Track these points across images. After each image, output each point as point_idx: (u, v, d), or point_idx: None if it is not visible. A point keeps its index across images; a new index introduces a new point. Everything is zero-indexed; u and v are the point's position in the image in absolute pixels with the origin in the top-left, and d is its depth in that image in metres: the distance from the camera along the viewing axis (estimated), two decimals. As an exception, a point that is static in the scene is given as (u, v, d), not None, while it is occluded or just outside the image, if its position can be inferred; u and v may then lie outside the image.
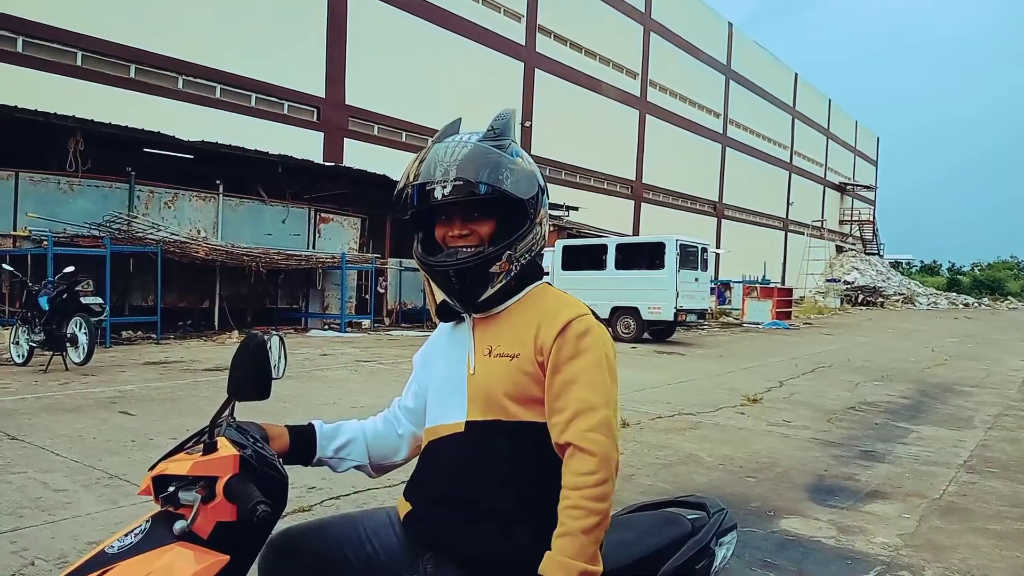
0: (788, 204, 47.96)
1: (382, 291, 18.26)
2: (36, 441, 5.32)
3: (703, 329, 20.41)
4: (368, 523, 1.61)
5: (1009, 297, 64.91)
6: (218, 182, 15.03)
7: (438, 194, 1.43)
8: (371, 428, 1.73)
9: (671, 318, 15.85)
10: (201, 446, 1.31)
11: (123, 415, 6.40)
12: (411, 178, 1.47)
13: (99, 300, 9.64)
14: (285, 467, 1.46)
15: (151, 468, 1.34)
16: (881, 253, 59.94)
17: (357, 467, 1.70)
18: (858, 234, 58.23)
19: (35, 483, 4.33)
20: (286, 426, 1.61)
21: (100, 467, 4.61)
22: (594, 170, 30.89)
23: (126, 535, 1.31)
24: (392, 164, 18.62)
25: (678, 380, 10.09)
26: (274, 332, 1.63)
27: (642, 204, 34.44)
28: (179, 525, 1.23)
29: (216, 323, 14.86)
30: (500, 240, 1.47)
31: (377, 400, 7.25)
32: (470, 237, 1.48)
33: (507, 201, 1.46)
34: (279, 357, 1.56)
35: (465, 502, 1.46)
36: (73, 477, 4.44)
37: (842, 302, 38.52)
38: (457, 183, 1.42)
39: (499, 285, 1.49)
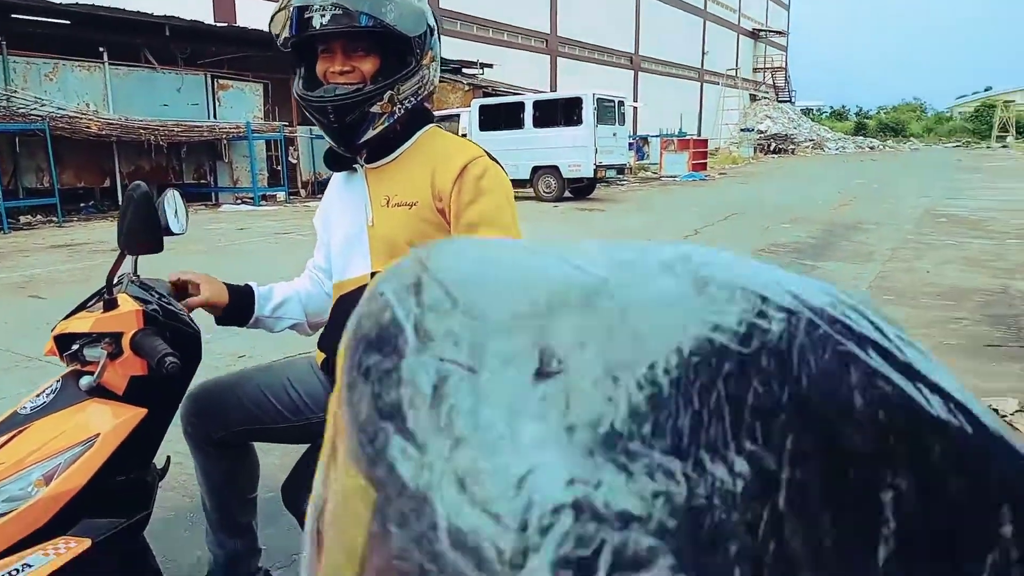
0: (703, 54, 47.66)
1: (294, 161, 17.62)
2: (-62, 332, 5.11)
3: (622, 185, 20.65)
4: (290, 371, 1.64)
5: (912, 138, 67.61)
6: (101, 49, 13.85)
7: (316, 22, 1.35)
8: (302, 287, 1.73)
9: (591, 174, 15.92)
10: (102, 304, 1.28)
11: (34, 299, 6.18)
12: (289, 1, 1.39)
13: (-14, 183, 9.01)
14: (223, 326, 1.49)
15: (53, 328, 1.32)
16: (793, 100, 60.86)
17: (293, 326, 1.71)
18: (771, 82, 58.74)
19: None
20: (224, 283, 1.59)
21: (15, 350, 4.49)
22: (508, 24, 29.76)
23: (38, 396, 1.30)
24: (293, 23, 17.46)
25: (594, 235, 10.30)
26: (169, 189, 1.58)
27: (558, 59, 33.64)
28: (85, 381, 1.23)
29: (120, 202, 14.15)
30: (382, 79, 1.41)
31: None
32: (352, 74, 1.41)
33: (391, 38, 1.39)
34: (176, 211, 1.51)
35: None
36: (-12, 361, 4.32)
37: (755, 151, 39.36)
38: (336, 12, 1.33)
39: (380, 127, 1.44)
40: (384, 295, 0.51)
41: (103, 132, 13.03)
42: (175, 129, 14.14)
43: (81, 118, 12.82)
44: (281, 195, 16.63)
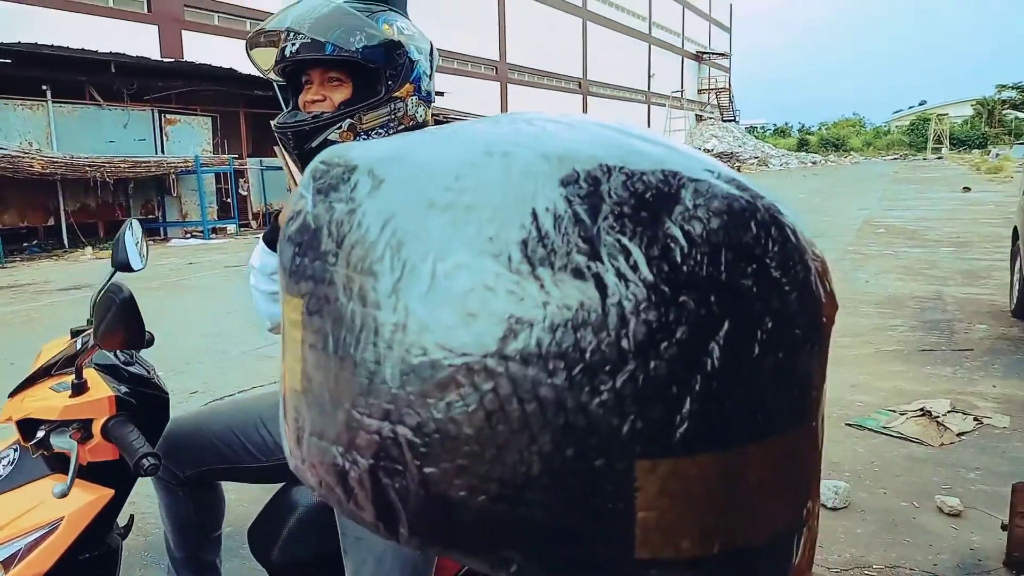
0: (649, 77, 48.69)
1: (244, 193, 17.47)
2: None
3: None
4: (262, 409, 1.60)
5: (852, 152, 69.71)
6: (44, 87, 13.64)
7: (287, 51, 1.34)
8: None
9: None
10: (68, 382, 1.22)
11: (-25, 344, 6.03)
12: (262, 30, 1.41)
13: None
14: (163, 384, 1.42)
15: (11, 394, 1.27)
16: (737, 119, 62.39)
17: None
18: (715, 102, 60.17)
19: None
20: None
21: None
22: (457, 52, 30.07)
23: None
24: (238, 57, 17.38)
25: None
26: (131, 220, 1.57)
27: (508, 85, 34.05)
28: (58, 489, 1.12)
29: (65, 240, 13.88)
30: (345, 108, 1.38)
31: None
32: (322, 103, 1.38)
33: (360, 68, 1.37)
34: (137, 243, 1.48)
35: None
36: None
37: (703, 169, 40.11)
38: (305, 41, 1.32)
39: None
40: (302, 196, 0.76)
41: (47, 171, 12.78)
42: (121, 165, 13.94)
43: (24, 157, 12.57)
44: (232, 227, 16.46)
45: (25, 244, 13.63)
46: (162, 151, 15.66)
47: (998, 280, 6.93)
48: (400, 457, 0.61)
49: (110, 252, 1.48)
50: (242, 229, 16.72)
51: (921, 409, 3.66)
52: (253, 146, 18.47)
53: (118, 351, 1.36)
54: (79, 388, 1.21)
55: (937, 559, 2.39)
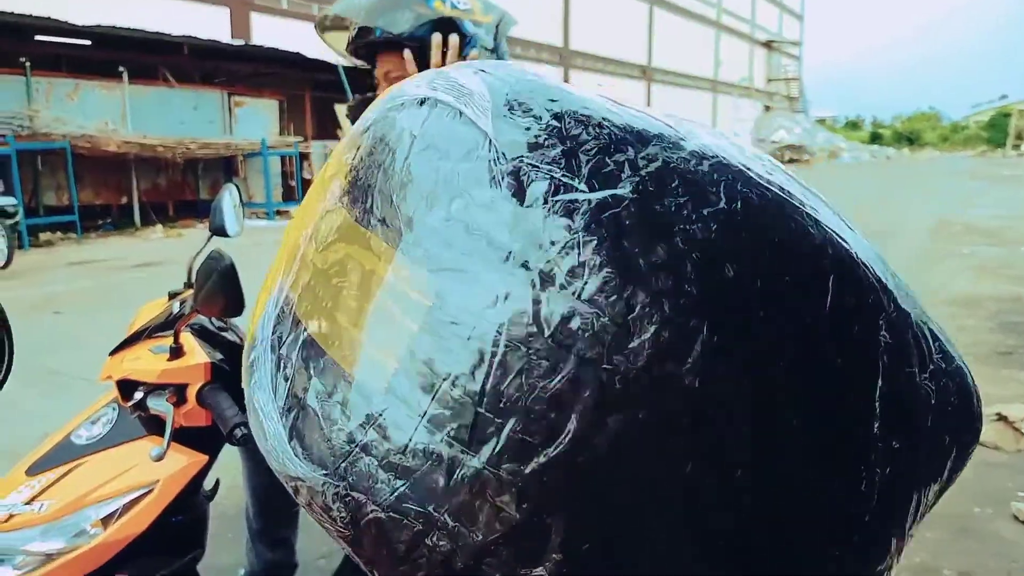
0: (716, 64, 47.68)
1: (308, 176, 17.79)
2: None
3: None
4: None
5: (927, 147, 67.16)
6: (121, 69, 14.10)
7: (349, 38, 1.43)
8: None
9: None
10: (167, 345, 1.25)
11: (55, 315, 6.30)
12: (326, 16, 1.49)
13: (12, 201, 9.23)
14: None
15: (111, 353, 1.31)
16: (807, 111, 60.70)
17: None
18: (785, 92, 58.63)
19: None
20: None
21: (38, 364, 4.60)
22: (520, 38, 29.97)
23: (92, 423, 1.28)
24: (305, 40, 17.69)
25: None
26: (230, 183, 1.59)
27: (571, 72, 33.79)
28: (155, 452, 1.15)
29: (137, 218, 14.37)
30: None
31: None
32: (397, 77, 1.41)
33: (419, 45, 1.42)
34: (234, 208, 1.52)
35: None
36: (13, 376, 4.42)
37: (769, 161, 39.24)
38: (361, 27, 1.42)
39: None
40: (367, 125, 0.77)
41: (121, 150, 13.24)
42: (192, 146, 14.34)
43: (100, 136, 13.04)
44: (295, 209, 16.74)
45: (100, 221, 14.16)
46: (230, 133, 16.04)
47: (1083, 284, 6.58)
48: None
49: (178, 231, 1.51)
50: (305, 211, 16.96)
51: (998, 414, 3.50)
52: (317, 130, 18.78)
53: (214, 318, 1.39)
54: (176, 352, 1.24)
55: (1011, 567, 2.29)
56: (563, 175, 0.53)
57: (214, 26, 17.98)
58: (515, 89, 0.63)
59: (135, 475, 1.20)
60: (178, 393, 1.21)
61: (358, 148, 0.76)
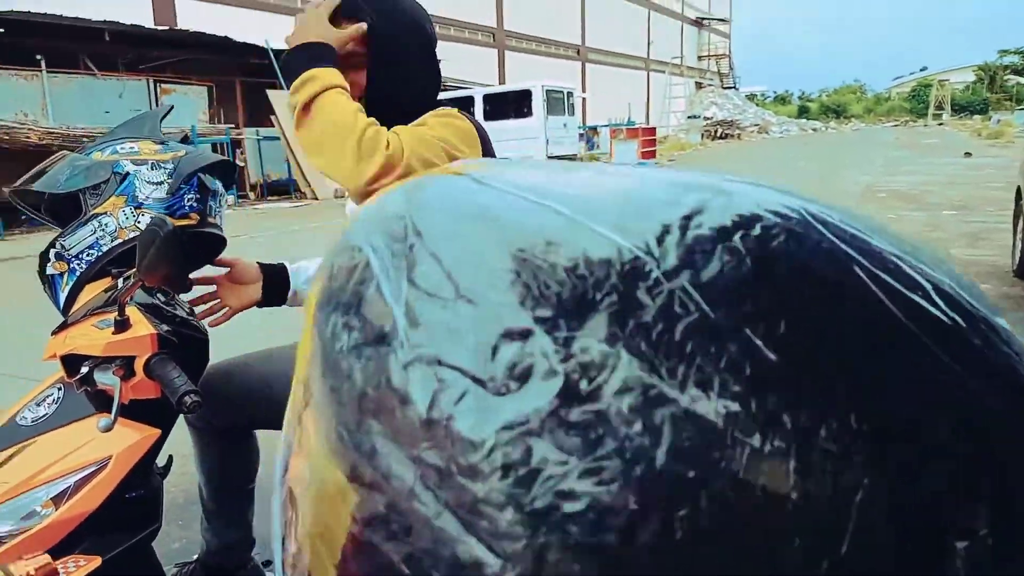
0: (648, 43, 48.16)
1: (241, 164, 17.38)
2: None
3: (574, 174, 20.77)
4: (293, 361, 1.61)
5: (852, 119, 69.33)
6: (39, 57, 13.51)
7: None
8: None
9: (542, 165, 16.08)
10: (111, 319, 1.22)
11: (-20, 314, 6.05)
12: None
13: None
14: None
15: (53, 332, 1.29)
16: (737, 86, 61.86)
17: None
18: (715, 69, 59.61)
19: None
20: (258, 263, 1.58)
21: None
22: (454, 19, 29.72)
23: (37, 405, 1.26)
24: (233, 24, 17.23)
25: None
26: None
27: (506, 52, 33.70)
28: (103, 423, 1.13)
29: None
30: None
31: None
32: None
33: (71, 198, 1.49)
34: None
35: None
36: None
37: (703, 137, 39.95)
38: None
39: None
40: (363, 251, 0.43)
41: (43, 142, 12.69)
42: (119, 136, 13.86)
43: (20, 128, 12.50)
44: (230, 199, 16.41)
45: (24, 216, 13.56)
46: (159, 121, 15.53)
47: (999, 242, 6.95)
48: None
49: None
50: (240, 200, 16.65)
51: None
52: (249, 116, 18.34)
53: (159, 294, 1.38)
54: (121, 325, 1.21)
55: None
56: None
57: (136, 11, 17.34)
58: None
59: (85, 452, 1.17)
60: (126, 366, 1.19)
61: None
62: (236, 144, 17.02)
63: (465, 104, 17.30)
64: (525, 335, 0.37)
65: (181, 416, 1.49)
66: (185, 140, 1.78)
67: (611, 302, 0.38)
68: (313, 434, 0.46)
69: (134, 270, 1.23)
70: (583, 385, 0.36)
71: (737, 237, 0.41)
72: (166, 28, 16.90)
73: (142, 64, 16.24)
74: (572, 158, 17.92)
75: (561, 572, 0.35)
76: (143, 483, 1.26)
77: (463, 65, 27.25)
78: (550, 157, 16.12)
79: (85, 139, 13.11)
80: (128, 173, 1.46)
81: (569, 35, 39.26)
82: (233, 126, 17.14)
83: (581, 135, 22.88)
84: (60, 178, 1.44)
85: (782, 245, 0.41)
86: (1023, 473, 0.42)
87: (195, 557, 1.86)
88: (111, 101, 14.75)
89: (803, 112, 74.85)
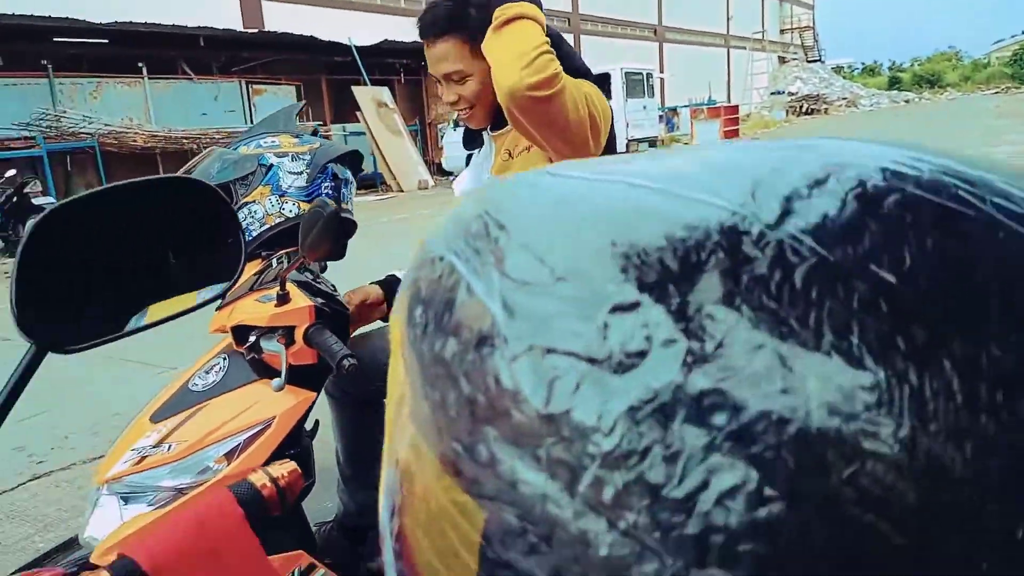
0: (728, 19, 46.95)
1: (314, 126, 17.92)
2: (30, 340, 5.48)
3: (654, 157, 20.54)
4: None
5: (948, 88, 65.75)
6: (140, 64, 14.32)
7: None
8: None
9: (623, 149, 15.98)
10: (272, 295, 1.38)
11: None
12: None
13: (51, 200, 9.49)
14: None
15: (217, 308, 1.45)
16: (823, 59, 59.61)
17: None
18: (799, 42, 57.59)
19: (47, 369, 4.54)
20: (375, 283, 1.73)
21: (106, 352, 4.83)
22: (528, 6, 29.71)
23: (206, 373, 1.41)
24: (317, 24, 17.76)
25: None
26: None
27: (582, 36, 33.50)
28: (276, 383, 1.31)
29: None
30: None
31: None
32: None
33: (225, 190, 1.64)
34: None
35: None
36: (84, 361, 4.66)
37: (787, 113, 38.77)
38: None
39: None
40: (445, 259, 0.41)
41: (148, 144, 13.49)
42: (216, 136, 14.55)
43: (127, 132, 13.29)
44: (320, 193, 16.95)
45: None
46: (251, 121, 16.20)
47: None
48: None
49: None
50: (329, 194, 17.16)
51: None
52: (335, 113, 18.90)
53: (307, 271, 1.53)
54: (283, 299, 1.36)
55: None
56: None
57: (226, 16, 18.11)
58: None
59: (252, 414, 1.31)
60: (287, 335, 1.34)
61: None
62: (304, 105, 17.60)
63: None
64: (634, 306, 0.34)
65: (324, 390, 1.65)
66: (315, 132, 1.94)
67: (718, 261, 0.35)
68: (422, 461, 0.40)
69: (294, 249, 1.40)
70: (708, 348, 0.33)
71: (833, 180, 0.38)
72: (255, 31, 17.60)
73: (234, 67, 16.97)
74: (652, 141, 17.74)
75: (727, 555, 0.31)
76: (298, 443, 1.39)
77: (539, 52, 27.20)
78: (630, 140, 16.02)
79: (185, 140, 13.85)
80: (272, 165, 1.64)
81: (646, 15, 38.67)
82: (320, 123, 17.72)
83: (661, 117, 22.60)
84: (212, 171, 1.62)
85: (884, 181, 0.38)
86: None
87: (333, 517, 2.02)
88: (207, 103, 15.49)
89: (894, 83, 71.41)
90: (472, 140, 1.75)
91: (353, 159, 1.78)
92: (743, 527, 0.31)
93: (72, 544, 1.29)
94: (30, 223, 0.93)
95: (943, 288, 0.34)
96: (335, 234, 1.27)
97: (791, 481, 0.31)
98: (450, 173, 15.84)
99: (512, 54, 1.34)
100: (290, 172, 1.64)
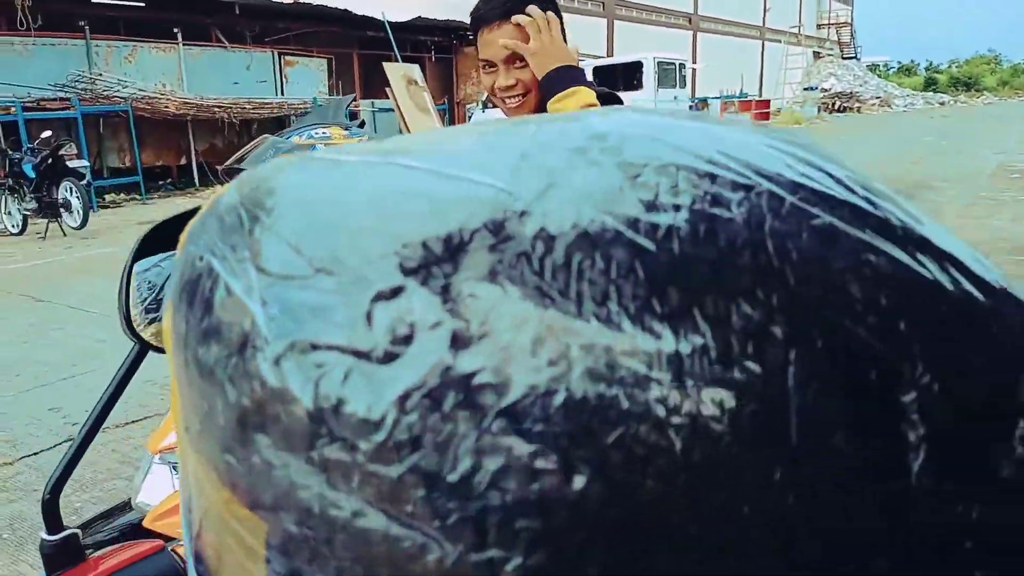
0: (764, 11, 46.32)
1: (360, 118, 17.99)
2: (62, 302, 5.60)
3: (682, 148, 20.42)
4: None
5: (985, 92, 64.59)
6: (175, 30, 14.40)
7: None
8: None
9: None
10: None
11: (136, 272, 6.65)
12: None
13: (85, 163, 9.65)
14: None
15: None
16: (858, 57, 58.73)
17: None
18: (835, 38, 56.75)
19: (76, 337, 4.65)
20: None
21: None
22: (563, -11, 29.50)
23: None
24: (354, -2, 17.75)
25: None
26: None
27: (615, 22, 33.21)
28: None
29: (196, 179, 14.78)
30: None
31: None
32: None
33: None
34: None
35: None
36: (108, 329, 4.75)
37: (819, 110, 38.30)
38: None
39: None
40: (203, 258, 0.38)
41: (180, 111, 13.59)
42: (247, 106, 14.65)
43: (160, 98, 13.40)
44: (347, 168, 17.01)
45: (160, 182, 14.61)
46: (282, 93, 16.29)
47: None
48: None
49: None
50: (356, 169, 17.23)
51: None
52: (365, 88, 18.93)
53: None
54: None
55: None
56: None
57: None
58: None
59: None
60: None
61: None
62: (353, 116, 17.62)
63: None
64: (398, 292, 0.33)
65: None
66: (362, 125, 1.99)
67: (481, 239, 0.34)
68: (202, 476, 0.38)
69: None
70: (474, 328, 0.32)
71: (596, 151, 0.37)
72: (290, 1, 17.62)
73: (267, 36, 17.02)
74: (682, 132, 17.58)
75: (504, 536, 0.31)
76: None
77: (572, 36, 27.03)
78: (659, 130, 15.89)
79: (217, 108, 13.94)
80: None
81: (681, 3, 38.24)
82: (352, 97, 17.76)
83: (691, 108, 22.42)
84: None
85: (644, 151, 0.37)
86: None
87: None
88: (239, 72, 15.58)
89: (930, 84, 70.21)
90: None
91: None
92: (518, 505, 0.31)
93: (126, 507, 1.36)
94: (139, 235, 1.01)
95: (696, 251, 0.34)
96: None
97: (561, 452, 0.31)
98: (477, 154, 15.80)
99: None
100: None
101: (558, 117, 0.45)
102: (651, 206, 0.35)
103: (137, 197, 13.10)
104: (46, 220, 9.05)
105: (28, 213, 9.15)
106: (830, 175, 0.39)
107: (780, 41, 46.24)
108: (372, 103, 17.99)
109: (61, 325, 4.96)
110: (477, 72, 1.73)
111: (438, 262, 0.34)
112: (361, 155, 0.41)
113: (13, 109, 11.35)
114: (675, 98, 16.82)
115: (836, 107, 41.54)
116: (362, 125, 2.39)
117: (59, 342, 4.57)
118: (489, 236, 0.34)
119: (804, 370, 0.32)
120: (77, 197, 8.85)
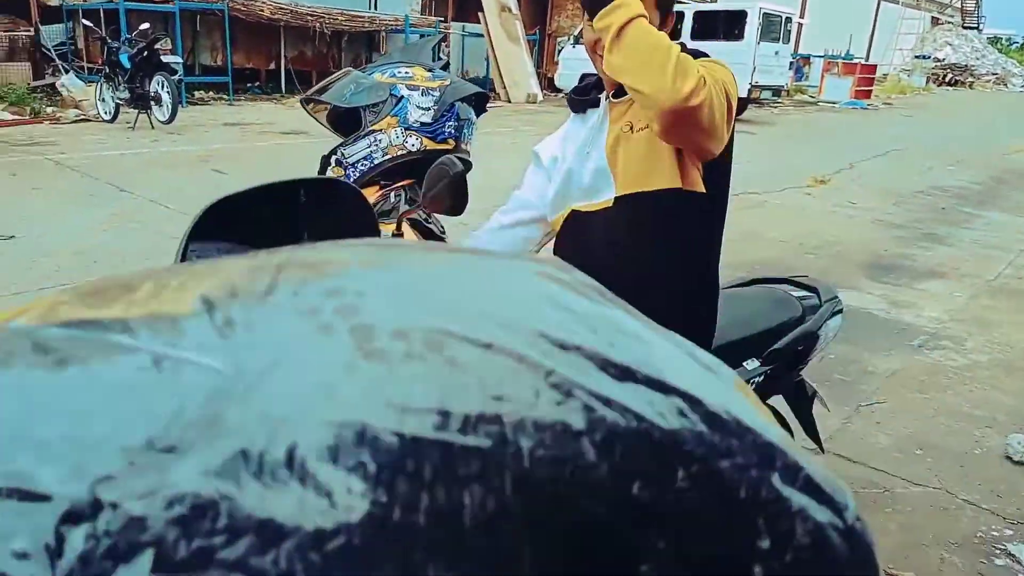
0: (885, -32, 43.47)
1: (444, 58, 17.75)
2: (144, 194, 5.80)
3: (775, 107, 19.68)
4: None
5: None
6: (276, -66, 14.35)
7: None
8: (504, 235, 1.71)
9: (744, 94, 15.27)
10: (387, 231, 1.44)
11: (216, 173, 6.82)
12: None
13: (178, 59, 9.82)
14: None
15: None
16: (980, 27, 54.84)
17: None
18: (958, 4, 53.02)
19: (151, 232, 4.83)
20: None
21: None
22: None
23: None
24: (457, -85, 17.32)
25: (746, 159, 10.04)
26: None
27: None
28: None
29: (283, 85, 14.95)
30: None
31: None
32: None
33: (355, 112, 1.75)
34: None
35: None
36: (181, 226, 4.91)
37: (928, 81, 36.16)
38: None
39: None
40: None
41: (274, 15, 13.66)
42: (340, 17, 14.61)
43: (255, 2, 13.47)
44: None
45: (248, 85, 14.83)
46: (374, 8, 16.18)
47: None
48: None
49: None
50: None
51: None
52: (457, 10, 18.63)
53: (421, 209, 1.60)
54: (400, 237, 1.44)
55: None
56: None
57: None
58: None
59: None
60: None
61: None
62: (443, 39, 17.43)
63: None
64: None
65: None
66: (446, 67, 1.97)
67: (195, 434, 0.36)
68: None
69: (409, 183, 1.44)
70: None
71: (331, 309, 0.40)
72: (392, -87, 17.32)
73: (366, -52, 16.82)
74: (778, 90, 16.86)
75: None
76: None
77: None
78: (753, 86, 15.27)
79: (309, 17, 13.95)
80: (403, 97, 1.69)
81: (796, -48, 36.16)
82: (442, 19, 17.53)
83: (791, 64, 21.42)
84: (346, 93, 1.67)
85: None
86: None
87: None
88: (335, -18, 15.48)
89: (1056, 65, 65.28)
90: (579, 104, 1.63)
91: (479, 99, 1.79)
92: None
93: None
94: (200, 209, 1.08)
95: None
96: (458, 193, 1.32)
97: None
98: (560, 91, 15.52)
99: (655, 68, 1.26)
100: (418, 107, 1.68)
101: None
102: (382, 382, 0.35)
103: (225, 97, 13.34)
104: (136, 111, 9.31)
105: (120, 102, 9.42)
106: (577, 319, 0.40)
107: (897, 2, 43.46)
108: (463, 27, 17.73)
109: (140, 217, 5.15)
110: (572, 4, 1.66)
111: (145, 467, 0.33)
112: (77, 331, 0.39)
113: (115, -2, 11.60)
114: (776, 53, 16.03)
115: (947, 79, 39.12)
116: (446, 67, 2.37)
117: (136, 234, 4.76)
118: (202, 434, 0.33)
119: (541, 552, 0.33)
120: (168, 92, 9.07)
